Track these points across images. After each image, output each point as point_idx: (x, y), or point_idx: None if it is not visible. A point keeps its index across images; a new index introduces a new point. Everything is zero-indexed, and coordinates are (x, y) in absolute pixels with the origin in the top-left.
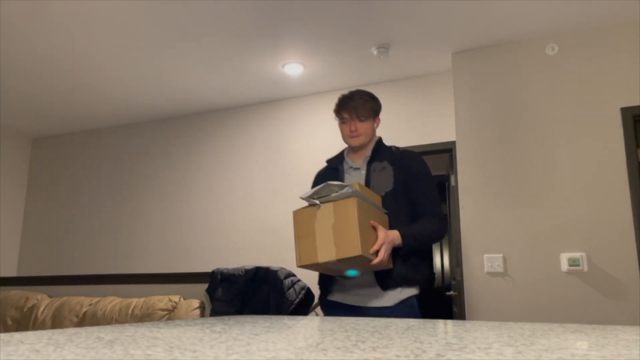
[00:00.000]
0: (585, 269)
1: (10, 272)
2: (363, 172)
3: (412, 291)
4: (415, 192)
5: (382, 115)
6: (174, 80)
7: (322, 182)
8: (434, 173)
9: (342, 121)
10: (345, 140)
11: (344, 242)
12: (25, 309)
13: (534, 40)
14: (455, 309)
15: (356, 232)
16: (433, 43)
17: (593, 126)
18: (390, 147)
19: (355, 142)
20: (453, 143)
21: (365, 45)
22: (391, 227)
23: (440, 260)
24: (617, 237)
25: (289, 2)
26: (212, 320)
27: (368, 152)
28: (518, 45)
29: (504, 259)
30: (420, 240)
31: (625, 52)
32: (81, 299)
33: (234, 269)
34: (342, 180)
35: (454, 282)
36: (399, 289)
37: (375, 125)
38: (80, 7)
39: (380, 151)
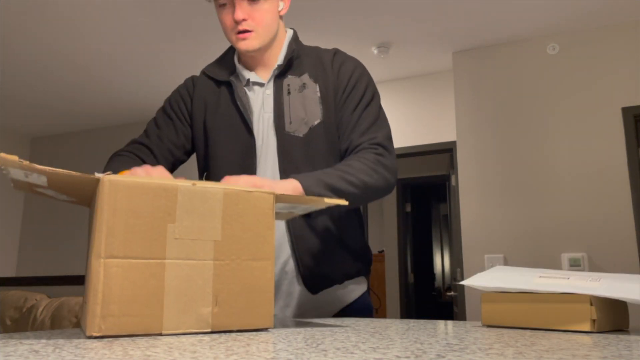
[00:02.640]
0: (587, 269)
1: (9, 272)
2: (269, 92)
3: (359, 287)
4: (347, 112)
5: None
6: (175, 79)
7: (198, 105)
8: (434, 173)
9: (218, 4)
10: (229, 39)
11: (240, 298)
12: (24, 309)
13: (534, 40)
14: (456, 309)
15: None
16: (433, 43)
17: (594, 126)
18: (310, 48)
19: (247, 45)
20: (453, 143)
21: (365, 45)
22: None
23: (441, 260)
24: (618, 238)
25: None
26: None
27: (276, 57)
28: (519, 44)
29: (505, 259)
30: (342, 190)
31: (626, 52)
32: (80, 299)
33: None
34: (242, 104)
35: (454, 282)
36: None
37: (280, 9)
38: (80, 7)
39: (297, 56)
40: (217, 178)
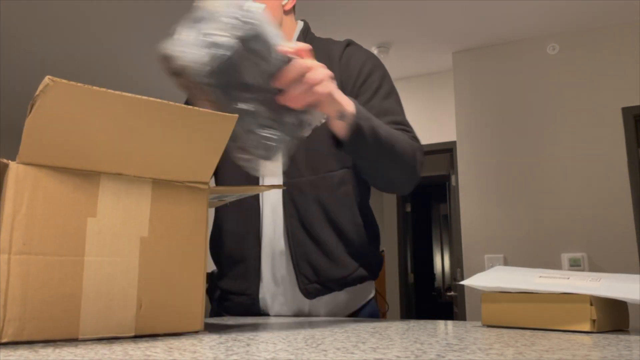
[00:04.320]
0: (587, 269)
1: None
2: None
3: (363, 295)
4: (362, 103)
5: None
6: None
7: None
8: (434, 173)
9: None
10: None
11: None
12: None
13: (534, 40)
14: (456, 309)
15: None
16: (433, 43)
17: (594, 126)
18: (321, 41)
19: None
20: (453, 143)
21: (366, 45)
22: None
23: (441, 260)
24: (618, 238)
25: None
26: (211, 320)
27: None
28: (519, 44)
29: (505, 259)
30: (382, 141)
31: (626, 52)
32: None
33: None
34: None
35: (454, 282)
36: (334, 295)
37: (284, 3)
38: (80, 6)
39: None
40: (221, 179)
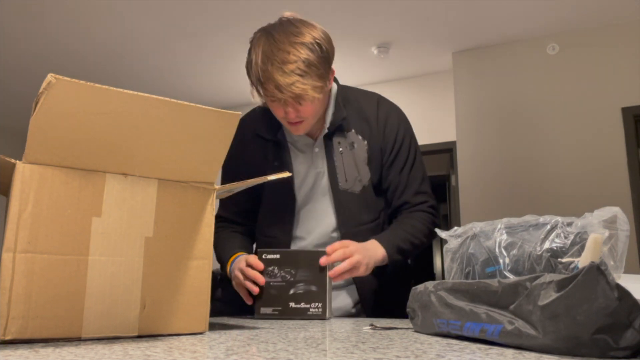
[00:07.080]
0: None
1: None
2: (318, 150)
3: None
4: (395, 172)
5: None
6: (178, 79)
7: (246, 167)
8: (433, 173)
9: (268, 97)
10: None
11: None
12: None
13: (534, 40)
14: None
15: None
16: (433, 43)
17: (594, 126)
18: (352, 97)
19: (298, 131)
20: (453, 143)
21: (365, 45)
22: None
23: (441, 260)
24: None
25: (290, 2)
26: (211, 320)
27: (323, 118)
28: (519, 44)
29: None
30: (409, 252)
31: (626, 52)
32: None
33: None
34: (288, 164)
35: None
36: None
37: (328, 84)
38: (80, 7)
39: (343, 115)
40: (258, 229)
